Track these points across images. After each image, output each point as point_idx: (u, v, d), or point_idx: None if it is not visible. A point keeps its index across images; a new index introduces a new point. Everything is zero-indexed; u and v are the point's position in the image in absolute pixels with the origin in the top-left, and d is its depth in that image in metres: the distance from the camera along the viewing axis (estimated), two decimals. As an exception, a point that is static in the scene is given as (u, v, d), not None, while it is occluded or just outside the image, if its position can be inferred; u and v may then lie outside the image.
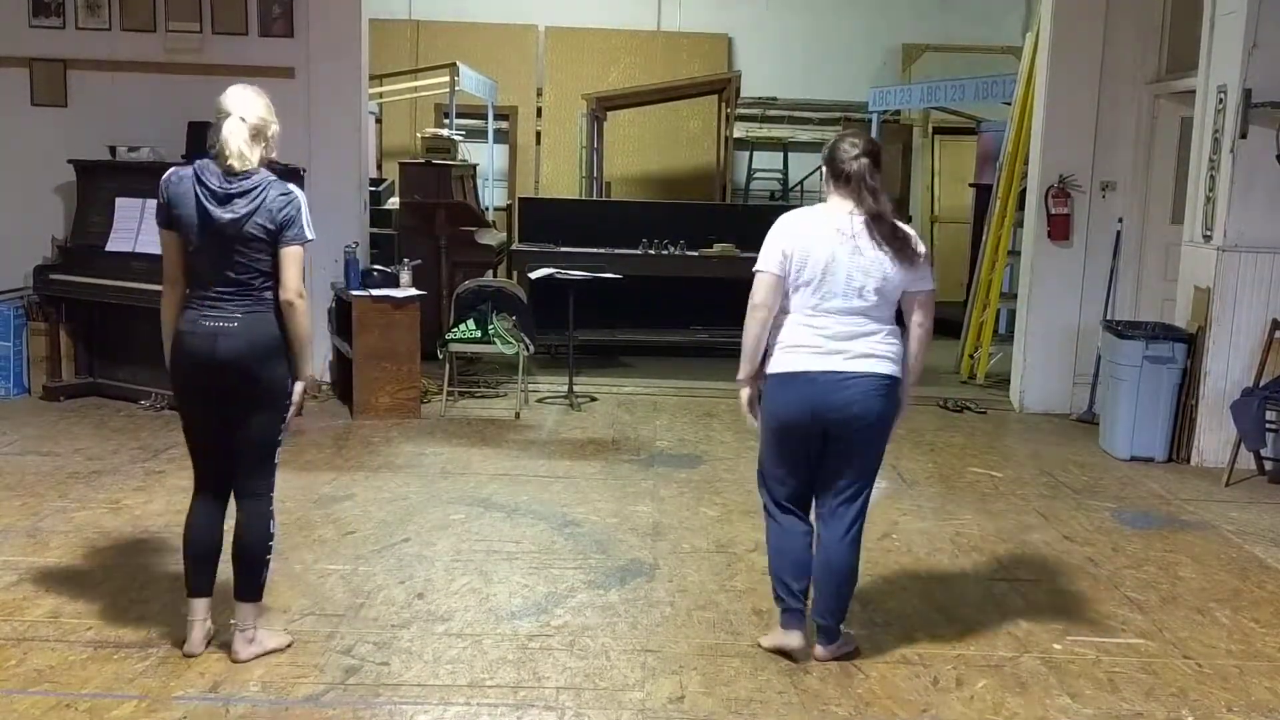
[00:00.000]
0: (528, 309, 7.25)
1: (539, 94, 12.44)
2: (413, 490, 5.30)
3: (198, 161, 3.34)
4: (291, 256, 3.32)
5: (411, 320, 6.73)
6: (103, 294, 6.67)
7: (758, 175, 12.57)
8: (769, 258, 3.44)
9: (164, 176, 3.36)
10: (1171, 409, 6.28)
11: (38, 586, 4.00)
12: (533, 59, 12.44)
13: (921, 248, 3.46)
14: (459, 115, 10.90)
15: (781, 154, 12.58)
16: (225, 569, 3.54)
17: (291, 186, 3.36)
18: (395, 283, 6.79)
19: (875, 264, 3.38)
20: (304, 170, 6.83)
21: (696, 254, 8.79)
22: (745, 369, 3.57)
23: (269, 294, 3.35)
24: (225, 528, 3.56)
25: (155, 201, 3.37)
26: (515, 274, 8.91)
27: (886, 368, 3.44)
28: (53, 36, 7.21)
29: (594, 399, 7.43)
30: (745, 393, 3.63)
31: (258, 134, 3.33)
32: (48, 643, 3.56)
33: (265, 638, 3.52)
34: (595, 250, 8.54)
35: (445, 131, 10.11)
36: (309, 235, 3.35)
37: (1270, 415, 5.82)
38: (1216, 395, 6.13)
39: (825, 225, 3.42)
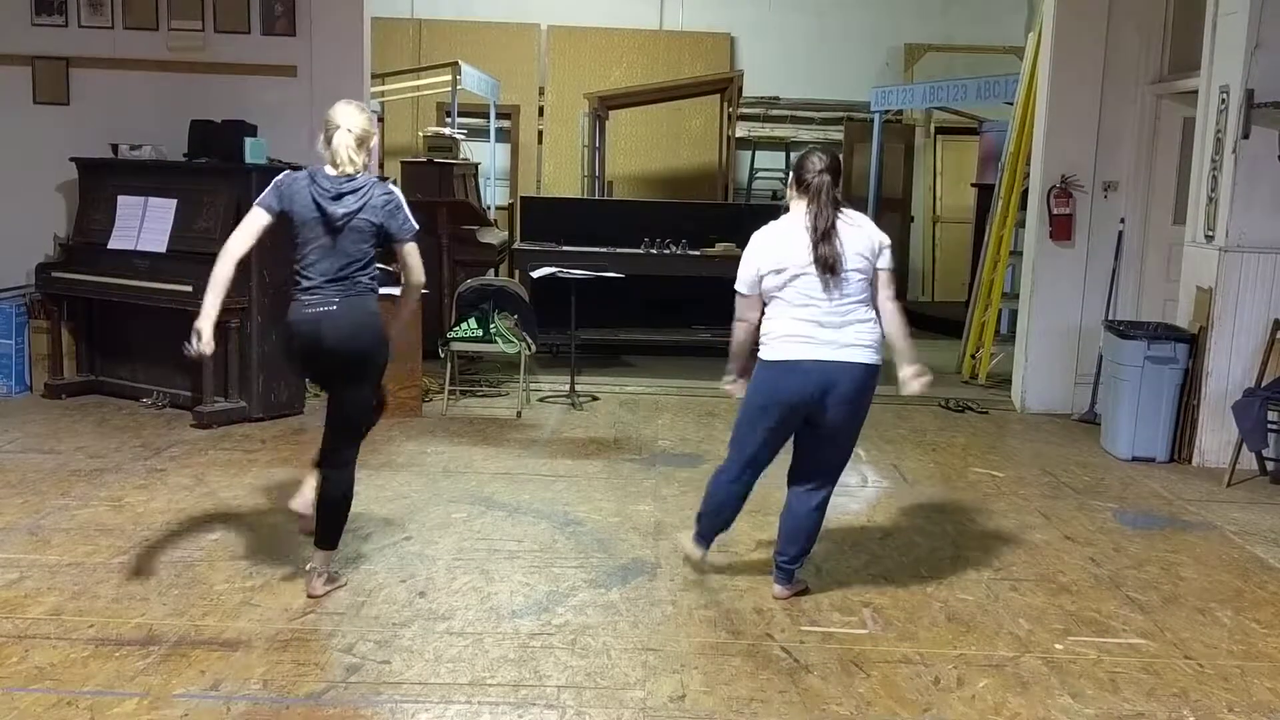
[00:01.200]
0: (529, 308, 7.25)
1: (541, 93, 12.44)
2: (414, 489, 5.30)
3: (312, 168, 3.85)
4: (414, 251, 3.90)
5: (413, 319, 6.73)
6: (104, 292, 6.67)
7: (760, 175, 12.57)
8: (743, 279, 3.94)
9: (279, 177, 3.87)
10: (1173, 409, 6.28)
11: (39, 584, 4.00)
12: (535, 58, 12.44)
13: (865, 243, 3.83)
14: (461, 114, 10.90)
15: (784, 153, 12.57)
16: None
17: (392, 186, 3.87)
18: (397, 281, 6.77)
19: (838, 256, 3.79)
20: (306, 169, 6.83)
21: (698, 253, 8.78)
22: (732, 367, 4.09)
23: (365, 280, 3.83)
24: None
25: (269, 188, 3.85)
26: (517, 273, 8.92)
27: (868, 356, 3.84)
28: (55, 35, 7.21)
29: (596, 398, 7.43)
30: (731, 388, 4.12)
31: (361, 143, 3.82)
32: (49, 640, 3.56)
33: (332, 578, 4.02)
34: (597, 249, 8.53)
35: (447, 130, 10.12)
36: (415, 226, 3.88)
37: (1272, 415, 5.82)
38: (1218, 395, 6.13)
39: (791, 233, 3.85)
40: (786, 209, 3.95)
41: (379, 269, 7.27)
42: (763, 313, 3.94)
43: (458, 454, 5.97)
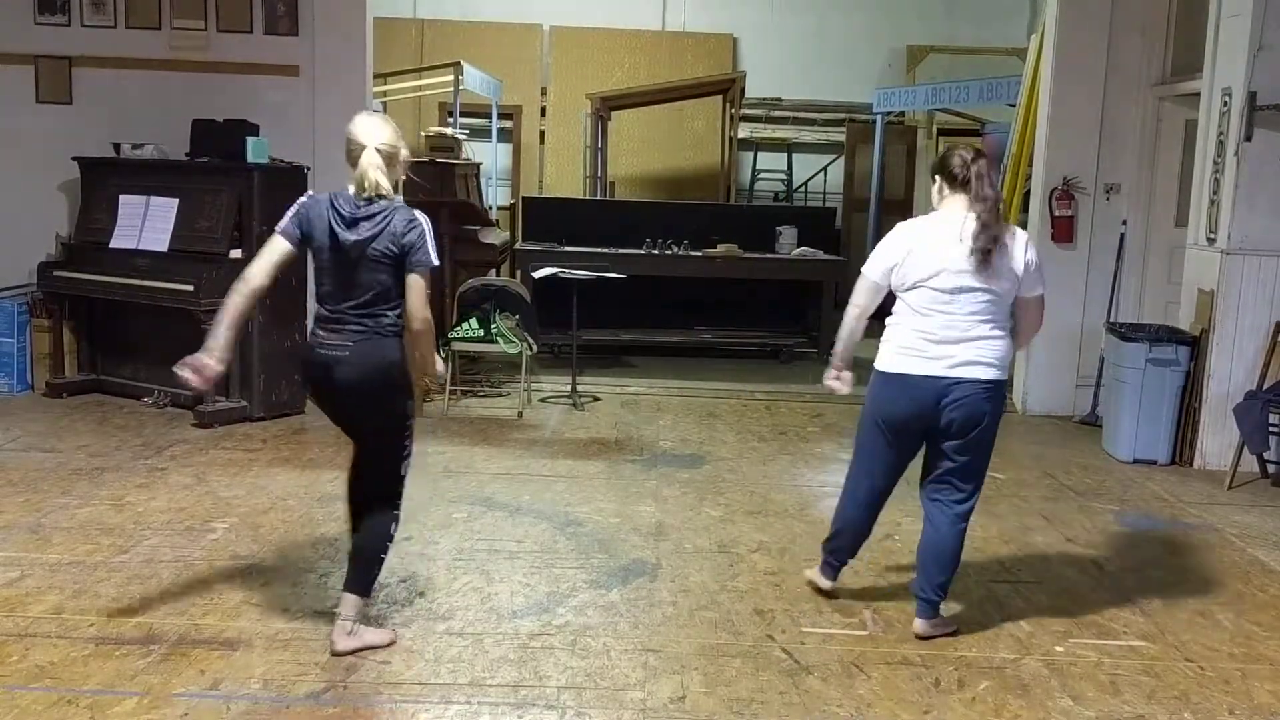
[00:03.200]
0: (531, 308, 7.25)
1: (543, 93, 12.44)
2: (415, 489, 5.25)
3: (334, 192, 3.46)
4: (417, 286, 3.40)
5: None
6: (106, 291, 6.67)
7: (762, 176, 12.57)
8: (876, 265, 3.70)
9: (301, 199, 3.50)
10: (1174, 412, 6.28)
11: (40, 582, 4.00)
12: (537, 58, 12.44)
13: (1023, 256, 3.61)
14: (463, 114, 10.89)
15: (785, 154, 12.57)
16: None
17: (416, 213, 3.45)
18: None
19: (982, 267, 3.55)
20: (308, 168, 6.84)
21: (700, 254, 8.79)
22: (836, 357, 3.91)
23: (389, 316, 3.45)
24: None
25: (289, 212, 3.47)
26: (518, 273, 8.91)
27: (990, 374, 3.63)
28: (58, 34, 7.21)
29: (597, 399, 7.43)
30: (829, 373, 3.93)
31: (390, 160, 3.43)
32: (49, 639, 3.56)
33: (366, 632, 3.57)
34: (599, 250, 8.54)
35: (449, 130, 10.11)
36: (434, 260, 3.43)
37: (1273, 418, 5.81)
38: (1219, 398, 6.12)
39: (938, 232, 3.62)
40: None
41: None
42: (885, 312, 3.76)
43: (458, 454, 5.97)
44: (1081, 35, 7.21)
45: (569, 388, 7.40)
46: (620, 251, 8.60)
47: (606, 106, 10.75)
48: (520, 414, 6.94)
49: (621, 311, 8.79)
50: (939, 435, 3.69)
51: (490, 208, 11.02)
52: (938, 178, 3.71)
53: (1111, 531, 5.09)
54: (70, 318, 7.00)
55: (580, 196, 11.49)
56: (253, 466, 5.59)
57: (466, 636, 3.69)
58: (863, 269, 3.75)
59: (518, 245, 9.20)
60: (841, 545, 4.03)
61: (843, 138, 12.39)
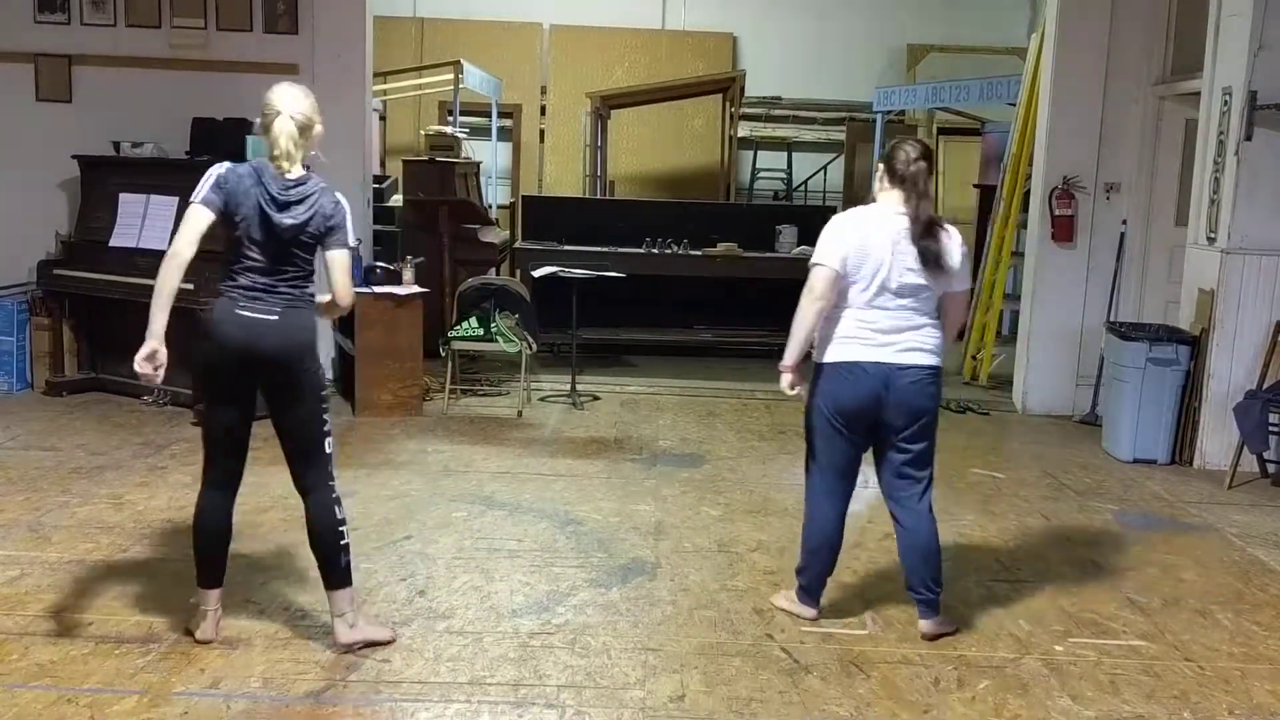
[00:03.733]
0: (530, 307, 7.25)
1: (543, 92, 12.45)
2: (414, 488, 5.30)
3: (255, 161, 3.42)
4: (339, 262, 3.48)
5: (414, 318, 6.73)
6: (106, 289, 6.67)
7: (762, 175, 12.57)
8: (830, 254, 3.66)
9: (220, 170, 3.39)
10: (1174, 411, 6.28)
11: (40, 581, 4.00)
12: (537, 57, 12.44)
13: (958, 252, 3.70)
14: (463, 113, 10.90)
15: (785, 153, 12.57)
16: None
17: (338, 195, 3.52)
18: (398, 280, 6.80)
19: (917, 262, 3.62)
20: (307, 166, 6.82)
21: (700, 253, 8.78)
22: (792, 355, 3.78)
23: (308, 287, 3.50)
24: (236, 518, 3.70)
25: (208, 182, 3.38)
26: (518, 272, 8.91)
27: (930, 360, 3.70)
28: (57, 32, 7.20)
29: (596, 398, 7.43)
30: (788, 378, 3.83)
31: (304, 131, 3.39)
32: (49, 637, 3.57)
33: (367, 627, 3.59)
34: (598, 249, 8.53)
35: (449, 129, 10.12)
36: (351, 241, 3.54)
37: (1273, 418, 5.81)
38: (1219, 398, 6.12)
39: (877, 224, 3.66)
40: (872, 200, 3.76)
41: (380, 267, 7.23)
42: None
43: (458, 453, 5.97)
44: (1082, 34, 7.21)
45: (569, 387, 7.40)
46: (620, 250, 8.59)
47: (606, 105, 10.75)
48: (520, 413, 6.94)
49: (621, 311, 8.78)
50: (888, 427, 3.70)
51: (490, 207, 11.03)
52: (881, 166, 3.73)
53: (1111, 531, 5.09)
54: (70, 316, 7.00)
55: (580, 195, 11.48)
56: (253, 466, 5.53)
57: (466, 635, 3.70)
58: (817, 261, 3.67)
59: (517, 244, 9.19)
60: (822, 567, 3.91)
61: (843, 137, 12.39)
